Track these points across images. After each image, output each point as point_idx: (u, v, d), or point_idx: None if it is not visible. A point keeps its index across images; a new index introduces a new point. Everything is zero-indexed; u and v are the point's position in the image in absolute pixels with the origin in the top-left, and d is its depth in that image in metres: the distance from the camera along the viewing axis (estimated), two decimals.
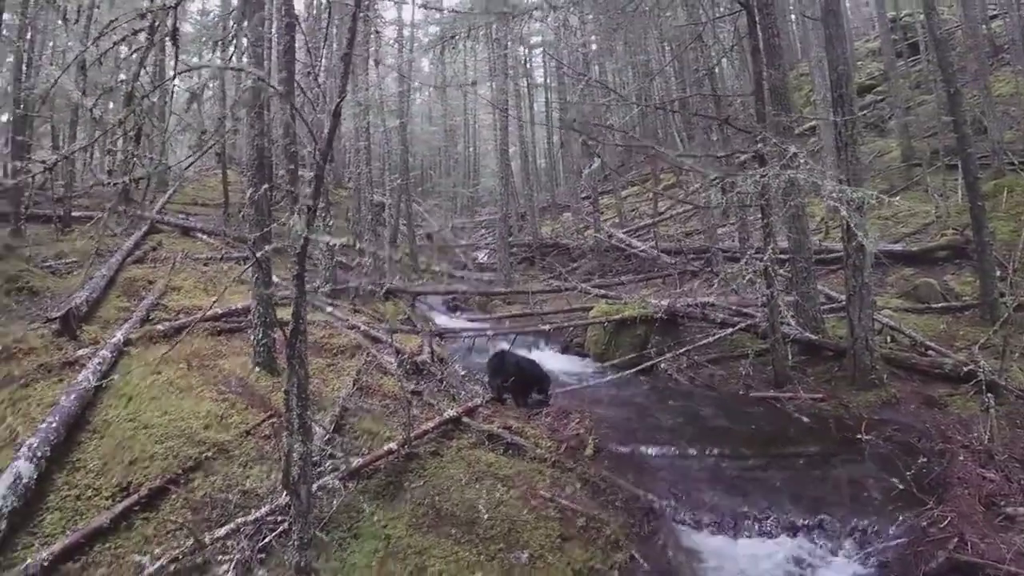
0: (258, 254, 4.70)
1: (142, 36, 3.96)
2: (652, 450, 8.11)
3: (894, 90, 21.24)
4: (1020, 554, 5.91)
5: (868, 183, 17.65)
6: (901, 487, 7.11)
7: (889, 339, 11.04)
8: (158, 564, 4.88)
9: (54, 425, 6.07)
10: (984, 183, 14.21)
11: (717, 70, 23.85)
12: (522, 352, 11.58)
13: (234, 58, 4.39)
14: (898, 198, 8.41)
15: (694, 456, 8.00)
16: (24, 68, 15.78)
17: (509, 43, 22.50)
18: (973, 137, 13.62)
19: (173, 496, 5.77)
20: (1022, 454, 7.55)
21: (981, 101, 17.09)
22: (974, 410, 8.63)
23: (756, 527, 6.70)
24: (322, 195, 12.89)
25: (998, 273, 12.02)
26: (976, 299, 12.09)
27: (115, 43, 4.02)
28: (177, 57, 3.95)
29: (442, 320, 15.34)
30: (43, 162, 3.80)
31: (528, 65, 36.80)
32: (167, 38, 3.79)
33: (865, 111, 23.78)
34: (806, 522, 6.66)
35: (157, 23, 3.86)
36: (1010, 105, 19.01)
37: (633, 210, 26.73)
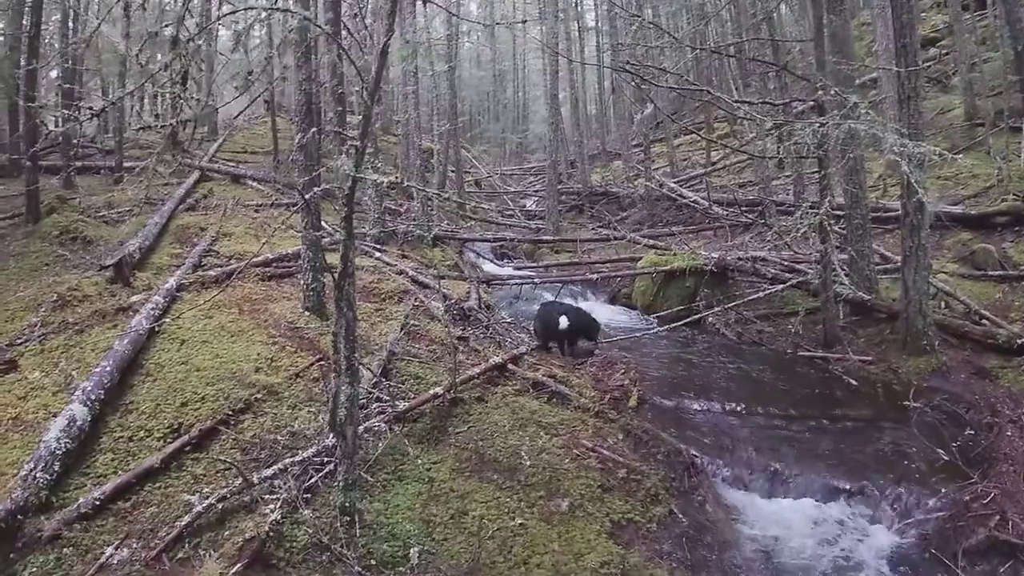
0: (307, 196, 4.70)
1: None
2: (696, 404, 8.10)
3: (959, 45, 20.34)
4: None
5: (929, 140, 17.07)
6: (945, 458, 7.01)
7: (943, 305, 10.75)
8: (207, 502, 5.01)
9: (108, 369, 6.23)
10: None
11: (775, 15, 23.19)
12: (569, 301, 11.59)
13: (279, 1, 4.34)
14: (961, 156, 8.09)
15: (738, 413, 7.96)
16: (71, 24, 15.98)
17: None
18: None
19: (223, 437, 5.91)
20: None
21: None
22: None
23: (797, 489, 6.68)
24: (370, 139, 12.87)
25: None
26: None
27: None
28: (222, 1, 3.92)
29: (489, 267, 15.38)
30: (90, 108, 3.83)
31: (579, 8, 36.21)
32: None
33: (928, 65, 22.93)
34: (847, 487, 6.62)
35: None
36: None
37: (685, 159, 26.32)
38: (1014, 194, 14.12)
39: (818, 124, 8.06)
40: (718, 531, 6.08)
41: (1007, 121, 16.56)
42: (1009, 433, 7.27)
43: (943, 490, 6.47)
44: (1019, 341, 8.95)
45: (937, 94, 21.96)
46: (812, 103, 9.44)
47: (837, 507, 6.50)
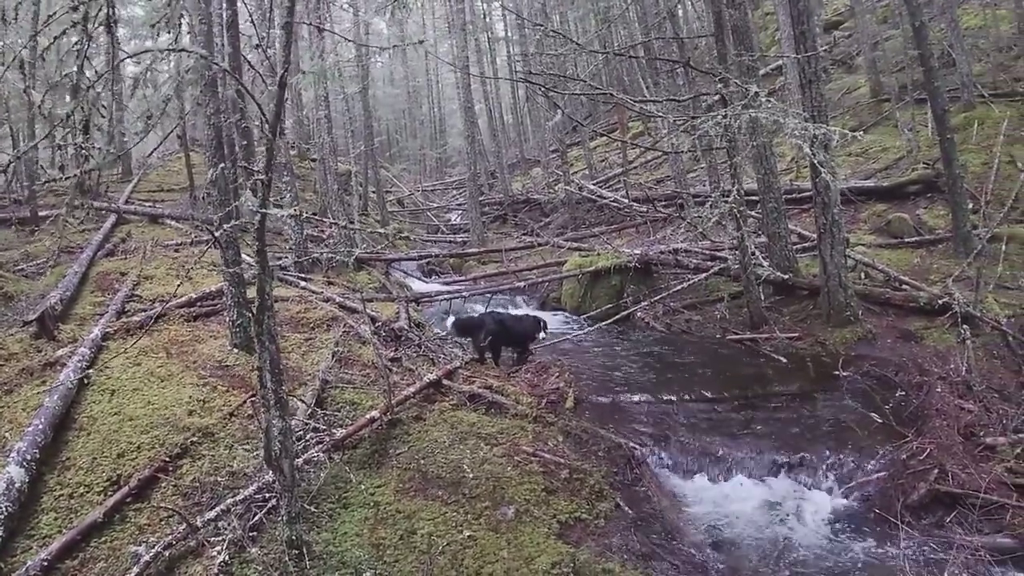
0: (216, 234, 4.69)
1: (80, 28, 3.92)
2: (632, 398, 8.23)
3: (861, 25, 21.16)
4: (1000, 482, 6.07)
5: (837, 120, 17.71)
6: (880, 421, 7.29)
7: (863, 275, 11.16)
8: (154, 551, 4.93)
9: (41, 427, 6.08)
10: (954, 116, 14.32)
11: (680, 12, 23.66)
12: (500, 309, 11.66)
13: (180, 38, 4.33)
14: (861, 134, 8.40)
15: (674, 402, 8.12)
16: None
17: None
18: (942, 70, 13.66)
19: (163, 484, 5.80)
20: (1000, 384, 7.69)
21: (949, 34, 17.10)
22: (950, 342, 8.74)
23: (737, 468, 6.86)
24: (286, 169, 12.67)
25: (970, 205, 12.14)
26: (949, 232, 12.20)
27: (55, 38, 3.97)
28: (114, 45, 3.90)
29: (417, 285, 15.33)
30: None
31: (488, 19, 36.44)
32: (102, 27, 3.75)
33: (832, 47, 23.75)
34: (787, 460, 6.82)
35: (92, 13, 3.82)
36: (979, 38, 19.08)
37: (603, 160, 26.69)
38: (923, 163, 14.74)
39: (720, 116, 8.31)
40: (665, 519, 6.19)
41: (911, 94, 17.28)
42: (939, 389, 7.57)
43: (881, 451, 6.76)
44: (940, 301, 9.30)
45: (843, 75, 22.81)
46: (718, 96, 9.71)
47: (779, 481, 6.72)
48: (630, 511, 6.11)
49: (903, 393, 7.90)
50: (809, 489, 6.63)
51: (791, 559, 5.76)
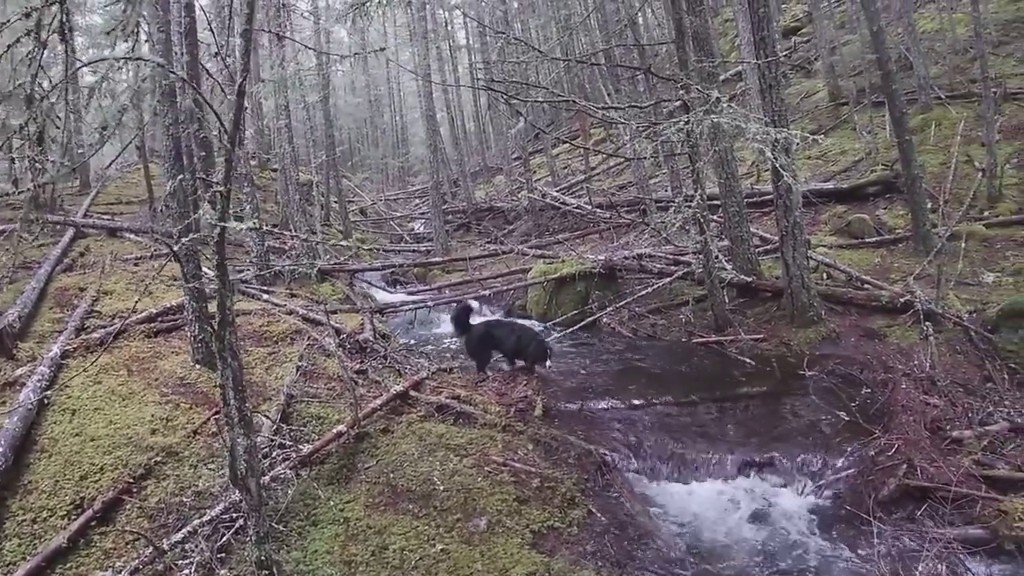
0: (175, 248, 4.58)
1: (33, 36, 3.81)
2: (600, 404, 8.19)
3: (819, 31, 21.53)
4: (968, 475, 6.17)
5: (797, 124, 17.98)
6: (847, 419, 7.37)
7: (825, 276, 11.29)
8: None
9: (1, 450, 5.92)
10: (912, 118, 14.64)
11: (641, 20, 23.85)
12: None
13: (138, 46, 4.24)
14: (821, 137, 8.51)
15: (642, 406, 8.11)
16: None
17: (427, 5, 22.18)
18: (899, 74, 13.93)
19: (127, 506, 5.68)
20: (964, 379, 7.84)
21: (906, 38, 17.46)
22: (913, 339, 8.88)
23: (708, 470, 6.87)
24: (237, 182, 12.47)
25: (929, 205, 12.38)
26: (909, 231, 12.42)
27: (8, 47, 3.85)
28: (68, 53, 3.80)
29: (382, 295, 15.17)
30: None
31: (449, 27, 36.45)
32: (56, 35, 3.65)
33: (791, 52, 24.11)
34: (757, 461, 6.86)
35: (45, 21, 3.71)
36: (935, 41, 19.50)
37: (566, 167, 26.77)
38: (882, 164, 15.03)
39: (682, 122, 8.36)
40: (638, 524, 6.18)
41: (869, 97, 17.61)
42: (904, 386, 7.69)
43: (849, 449, 6.82)
44: (902, 300, 9.47)
45: (802, 79, 23.18)
46: (679, 102, 9.77)
47: (750, 482, 6.75)
48: (603, 517, 6.09)
49: (869, 390, 8.00)
50: (780, 488, 6.67)
51: (764, 559, 5.78)
